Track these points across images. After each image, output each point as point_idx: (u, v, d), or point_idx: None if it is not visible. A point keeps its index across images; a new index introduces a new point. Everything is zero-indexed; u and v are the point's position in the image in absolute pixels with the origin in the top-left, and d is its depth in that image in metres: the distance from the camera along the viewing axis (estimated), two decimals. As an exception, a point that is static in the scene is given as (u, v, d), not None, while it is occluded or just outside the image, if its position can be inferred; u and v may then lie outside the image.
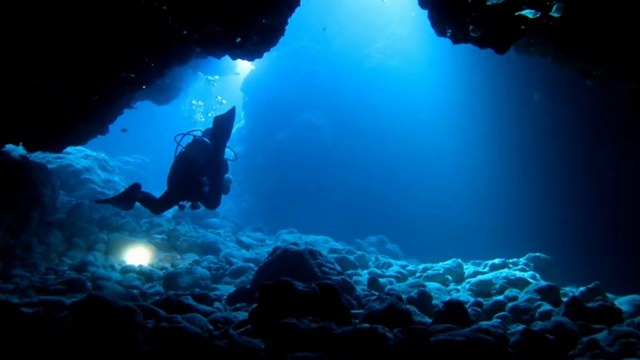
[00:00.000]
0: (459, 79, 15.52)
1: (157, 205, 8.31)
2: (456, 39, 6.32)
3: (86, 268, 8.71)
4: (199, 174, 8.08)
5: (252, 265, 9.41)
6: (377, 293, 6.67)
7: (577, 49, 6.14)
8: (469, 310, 5.75)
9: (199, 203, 8.70)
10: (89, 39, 6.35)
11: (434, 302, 6.11)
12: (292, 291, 3.63)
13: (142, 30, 6.35)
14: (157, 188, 20.13)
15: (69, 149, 16.53)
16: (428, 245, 14.88)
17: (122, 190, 16.61)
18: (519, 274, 7.46)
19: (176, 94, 17.58)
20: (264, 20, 6.69)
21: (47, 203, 9.62)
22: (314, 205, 18.45)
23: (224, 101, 22.03)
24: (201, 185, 8.22)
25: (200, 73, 18.60)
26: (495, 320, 5.34)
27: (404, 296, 6.46)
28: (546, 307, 5.51)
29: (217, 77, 20.96)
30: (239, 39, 6.79)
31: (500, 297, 6.51)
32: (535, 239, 12.61)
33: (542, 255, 8.63)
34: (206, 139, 8.46)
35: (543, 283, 5.95)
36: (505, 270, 7.96)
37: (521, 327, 5.24)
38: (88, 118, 7.79)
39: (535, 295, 5.77)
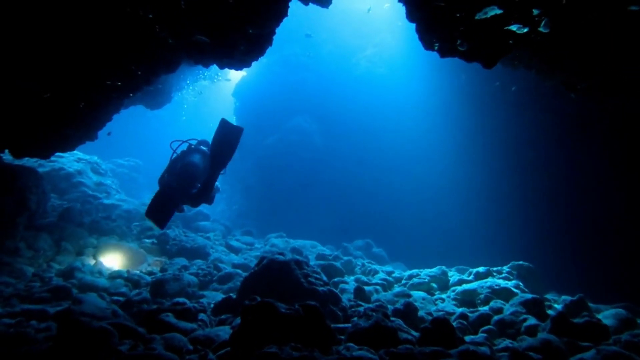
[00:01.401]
0: (445, 86, 15.36)
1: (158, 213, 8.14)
2: (443, 52, 6.09)
3: (73, 274, 8.33)
4: (196, 181, 8.10)
5: (239, 271, 9.11)
6: (363, 303, 6.43)
7: (562, 62, 5.94)
8: (455, 323, 5.53)
9: (183, 206, 8.74)
10: (75, 46, 6.03)
11: (420, 313, 5.86)
12: (275, 313, 3.35)
13: (128, 39, 6.03)
14: (149, 190, 19.75)
15: (61, 152, 16.14)
16: (413, 250, 14.69)
17: (113, 192, 16.31)
18: (503, 283, 7.25)
19: (168, 99, 17.19)
20: (250, 30, 6.40)
21: (35, 208, 9.21)
22: (303, 207, 18.18)
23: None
24: (192, 191, 8.21)
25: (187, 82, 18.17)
26: (481, 335, 5.11)
27: (389, 307, 6.22)
28: (532, 321, 5.29)
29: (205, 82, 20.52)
30: (225, 49, 6.49)
31: (485, 308, 6.29)
32: (517, 245, 12.46)
33: (525, 263, 8.43)
34: (204, 148, 8.67)
35: (528, 296, 5.73)
36: (490, 279, 7.74)
37: (507, 341, 5.02)
38: (75, 124, 7.44)
39: (521, 309, 5.55)
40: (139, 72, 6.63)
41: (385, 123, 17.36)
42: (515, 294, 6.96)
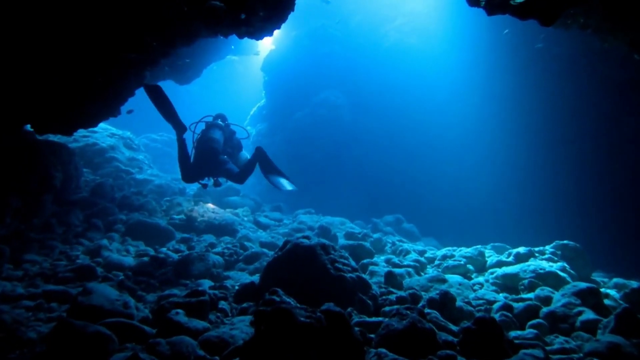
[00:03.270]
0: (480, 56, 14.12)
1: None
2: (492, 8, 5.13)
3: (100, 252, 7.98)
4: (219, 153, 8.39)
5: (266, 250, 8.57)
6: (395, 290, 5.76)
7: (628, 19, 4.90)
8: (497, 315, 4.79)
9: (221, 180, 9.00)
10: (87, 21, 5.42)
11: (458, 302, 5.13)
12: (292, 322, 2.70)
13: (139, 7, 5.35)
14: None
15: (94, 127, 15.90)
16: (445, 225, 13.86)
17: (145, 167, 16.04)
18: (547, 266, 6.42)
19: (197, 73, 16.59)
20: (269, -8, 5.63)
21: (60, 185, 8.84)
22: (332, 183, 17.50)
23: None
24: (224, 163, 8.48)
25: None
26: (530, 331, 4.36)
27: (424, 295, 5.53)
28: (588, 314, 4.50)
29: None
30: (243, 15, 5.74)
31: (531, 296, 5.51)
32: (557, 221, 11.50)
33: (570, 243, 7.51)
34: (220, 122, 8.96)
35: (582, 285, 4.91)
36: (532, 261, 6.92)
37: (561, 339, 4.27)
38: (94, 100, 6.91)
39: (574, 299, 4.74)
40: (155, 44, 5.96)
41: (416, 96, 16.27)
42: (563, 279, 6.15)
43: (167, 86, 18.08)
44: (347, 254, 5.91)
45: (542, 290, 5.37)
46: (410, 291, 5.47)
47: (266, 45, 22.82)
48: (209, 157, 8.31)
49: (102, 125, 16.17)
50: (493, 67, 13.52)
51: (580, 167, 11.32)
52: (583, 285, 4.88)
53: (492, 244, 9.95)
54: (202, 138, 8.53)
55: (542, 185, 12.18)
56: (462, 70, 14.77)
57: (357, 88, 18.43)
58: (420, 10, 17.69)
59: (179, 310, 3.64)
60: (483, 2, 5.20)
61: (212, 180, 9.04)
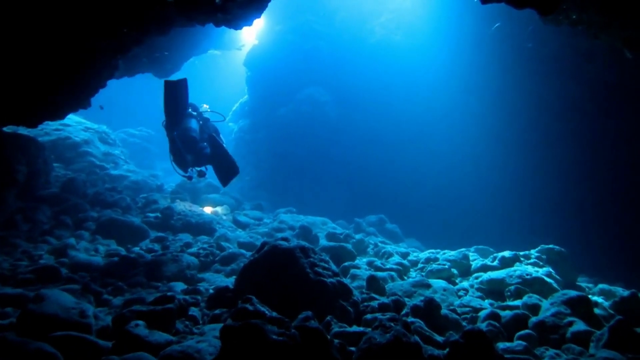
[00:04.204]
0: (465, 54, 13.96)
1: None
2: None
3: (66, 252, 7.52)
4: (199, 140, 8.32)
5: (244, 251, 8.21)
6: (377, 296, 5.48)
7: (624, 14, 4.70)
8: (484, 325, 4.55)
9: (204, 169, 8.94)
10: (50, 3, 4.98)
11: (443, 311, 4.88)
12: (263, 340, 2.38)
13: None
14: (162, 160, 18.77)
15: (68, 121, 15.26)
16: (428, 226, 13.69)
17: (121, 163, 15.48)
18: (533, 272, 6.23)
19: (177, 66, 16.09)
20: (248, -24, 5.27)
21: (24, 179, 8.33)
22: (316, 180, 17.20)
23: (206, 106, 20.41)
24: (204, 149, 8.47)
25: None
26: (518, 343, 4.12)
27: (408, 301, 5.26)
28: (580, 325, 4.28)
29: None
30: (218, 0, 5.37)
31: (518, 304, 5.30)
32: (539, 223, 11.41)
33: (556, 247, 7.35)
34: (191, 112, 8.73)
35: (572, 293, 4.70)
36: (518, 266, 6.73)
37: (551, 352, 4.04)
38: (59, 90, 6.45)
39: (564, 309, 4.53)
40: (125, 30, 5.55)
41: (402, 93, 16.05)
42: (549, 285, 5.97)
43: (146, 79, 17.63)
44: (327, 257, 5.61)
45: (530, 298, 5.16)
46: (394, 297, 5.20)
47: (249, 40, 22.36)
48: (189, 147, 8.24)
49: (75, 118, 15.56)
50: (479, 66, 13.39)
51: (565, 169, 11.25)
52: (573, 293, 4.67)
53: (475, 246, 9.78)
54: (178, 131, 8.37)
55: (527, 187, 12.09)
56: (448, 69, 14.60)
57: (342, 85, 18.13)
58: (407, 6, 17.47)
59: (139, 322, 3.28)
60: (478, -12, 4.92)
61: (195, 172, 8.94)
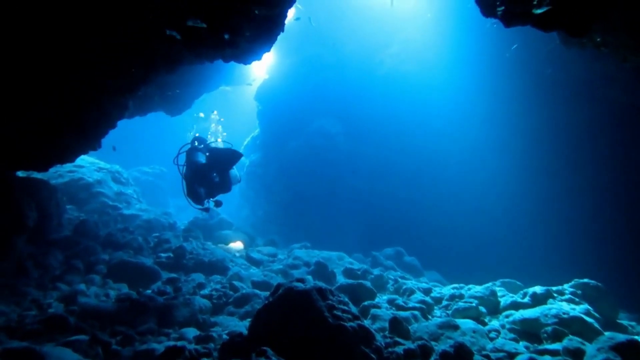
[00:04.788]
0: (480, 82, 13.79)
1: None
2: (510, 18, 4.62)
3: (76, 299, 7.27)
4: (208, 171, 8.80)
5: (258, 292, 7.88)
6: (401, 340, 5.09)
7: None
8: (524, 373, 4.14)
9: (219, 198, 9.30)
10: (58, 41, 4.95)
11: (476, 358, 4.48)
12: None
13: (115, 29, 4.88)
14: (174, 197, 18.67)
15: (81, 162, 15.36)
16: (448, 257, 13.22)
17: (134, 202, 15.44)
18: (570, 310, 5.78)
19: (188, 104, 16.21)
20: (256, 11, 5.17)
21: (33, 224, 8.19)
22: (329, 214, 16.89)
23: (201, 114, 20.65)
24: (214, 179, 8.97)
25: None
26: (564, 396, 3.70)
27: (436, 347, 4.87)
28: (632, 375, 3.86)
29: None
30: (227, 36, 5.28)
31: (558, 347, 4.86)
32: (568, 254, 10.89)
33: (592, 281, 6.87)
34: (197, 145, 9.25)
35: (621, 337, 4.28)
36: (552, 303, 6.28)
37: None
38: (67, 133, 6.38)
39: (613, 356, 4.11)
40: (133, 70, 5.48)
41: (414, 123, 15.87)
42: (590, 325, 5.52)
43: (158, 117, 17.80)
44: (346, 299, 5.27)
45: (571, 341, 4.73)
46: (420, 342, 4.82)
47: (260, 74, 22.64)
48: (199, 178, 8.62)
49: (89, 159, 15.67)
50: (494, 93, 13.19)
51: (594, 197, 10.80)
52: (621, 337, 4.25)
53: (501, 280, 9.30)
54: (187, 165, 8.79)
55: (553, 215, 11.61)
56: (461, 97, 14.44)
57: (353, 116, 18.06)
58: (417, 37, 17.52)
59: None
60: (500, 12, 4.70)
61: (212, 203, 9.30)
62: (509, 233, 12.48)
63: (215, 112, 17.22)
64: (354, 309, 5.18)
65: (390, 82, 17.37)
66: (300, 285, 5.15)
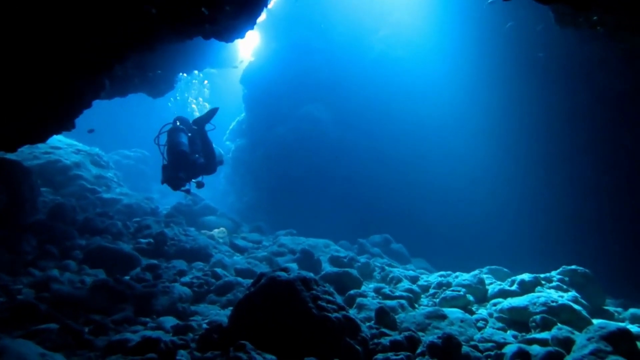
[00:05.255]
0: (471, 65, 13.58)
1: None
2: None
3: (49, 286, 6.98)
4: (190, 154, 8.50)
5: (241, 280, 7.68)
6: (387, 331, 4.94)
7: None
8: (513, 365, 4.01)
9: (201, 179, 9.07)
10: (27, 15, 4.59)
11: (464, 348, 4.35)
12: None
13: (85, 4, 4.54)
14: (158, 181, 18.27)
15: (58, 143, 14.86)
16: (435, 244, 13.16)
17: (114, 186, 15.03)
18: (559, 298, 5.69)
19: (171, 86, 15.76)
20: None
21: (6, 208, 7.84)
22: (317, 200, 16.68)
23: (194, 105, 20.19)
24: (197, 161, 8.66)
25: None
26: (555, 389, 3.57)
27: (423, 338, 4.72)
28: (624, 366, 3.75)
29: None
30: (206, 11, 4.95)
31: (546, 337, 4.75)
32: (553, 240, 10.88)
33: (580, 268, 6.80)
34: (179, 125, 8.89)
35: (612, 326, 4.15)
36: (540, 290, 6.20)
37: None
38: (39, 109, 6.02)
39: (604, 345, 3.98)
40: (105, 43, 5.13)
41: (404, 109, 15.64)
42: (578, 313, 5.43)
43: (141, 100, 17.31)
44: (332, 289, 5.09)
45: (560, 330, 4.62)
46: (407, 333, 4.66)
47: (247, 57, 22.14)
48: (182, 161, 8.34)
49: (67, 141, 15.19)
50: (485, 78, 13.01)
51: (580, 182, 10.76)
52: (612, 326, 4.13)
53: (488, 267, 9.23)
54: (169, 145, 8.48)
55: (539, 202, 11.60)
56: (452, 82, 14.23)
57: (342, 101, 17.76)
58: (406, 20, 17.19)
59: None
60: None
61: (194, 184, 9.10)
62: (496, 221, 12.44)
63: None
64: (339, 299, 5.00)
65: (380, 67, 17.08)
66: (283, 274, 4.94)
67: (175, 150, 8.31)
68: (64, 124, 7.04)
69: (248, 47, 21.74)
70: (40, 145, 13.59)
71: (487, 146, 13.13)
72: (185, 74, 16.35)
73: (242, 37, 6.47)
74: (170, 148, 8.44)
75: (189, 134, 8.82)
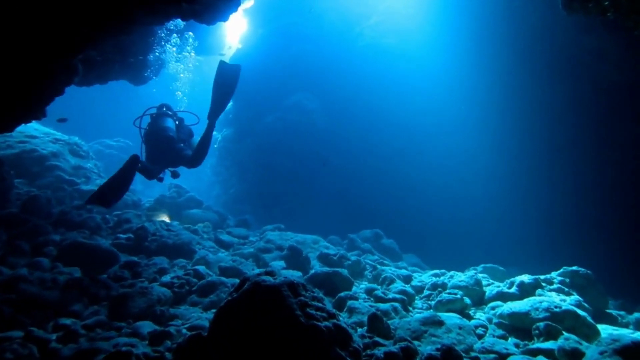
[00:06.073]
0: (464, 56, 13.22)
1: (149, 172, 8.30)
2: None
3: (17, 285, 6.52)
4: (175, 141, 8.28)
5: (224, 280, 7.28)
6: (381, 340, 4.60)
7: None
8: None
9: (178, 170, 8.93)
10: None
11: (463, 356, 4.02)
12: None
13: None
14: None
15: (35, 132, 14.22)
16: (427, 240, 12.89)
17: (94, 177, 14.47)
18: (562, 302, 5.39)
19: (155, 73, 15.15)
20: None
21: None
22: (305, 193, 16.30)
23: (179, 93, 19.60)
24: (182, 150, 8.42)
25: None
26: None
27: (420, 348, 4.39)
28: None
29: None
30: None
31: (551, 347, 4.45)
32: (549, 236, 10.66)
33: (581, 269, 6.53)
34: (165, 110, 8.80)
35: (626, 339, 3.85)
36: (541, 293, 5.92)
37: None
38: (3, 99, 5.52)
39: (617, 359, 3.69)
40: (79, 27, 4.65)
41: (395, 100, 15.26)
42: (583, 319, 5.14)
43: (123, 87, 16.68)
44: (321, 295, 4.72)
45: (567, 341, 4.31)
46: (402, 344, 4.33)
47: (234, 44, 21.54)
48: (165, 147, 8.14)
49: (44, 129, 14.55)
50: (478, 69, 12.66)
51: (577, 179, 10.52)
52: (626, 339, 3.83)
53: (483, 265, 9.00)
54: (153, 129, 8.25)
55: (534, 197, 11.36)
56: (444, 73, 13.87)
57: (332, 91, 17.31)
58: (397, 8, 16.74)
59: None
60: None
61: (168, 173, 9.00)
62: (489, 216, 12.20)
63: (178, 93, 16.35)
64: (329, 306, 4.63)
65: (370, 55, 16.64)
66: (269, 279, 4.55)
67: (161, 135, 8.12)
68: (33, 112, 6.53)
69: (235, 33, 21.14)
70: (14, 134, 12.98)
71: (481, 141, 12.84)
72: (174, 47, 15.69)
73: (225, 19, 6.01)
74: (154, 132, 8.22)
75: (177, 122, 8.64)
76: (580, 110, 10.28)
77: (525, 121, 11.57)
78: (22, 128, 13.59)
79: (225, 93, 8.81)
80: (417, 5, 15.94)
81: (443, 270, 8.48)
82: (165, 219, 12.45)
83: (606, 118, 9.83)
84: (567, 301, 5.59)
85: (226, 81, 8.76)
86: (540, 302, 5.31)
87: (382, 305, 5.94)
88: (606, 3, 4.52)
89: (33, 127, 13.93)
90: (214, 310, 6.55)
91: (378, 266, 8.68)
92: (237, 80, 8.96)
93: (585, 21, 9.34)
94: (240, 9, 19.16)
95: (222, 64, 8.84)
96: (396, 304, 6.02)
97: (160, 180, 8.75)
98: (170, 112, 8.82)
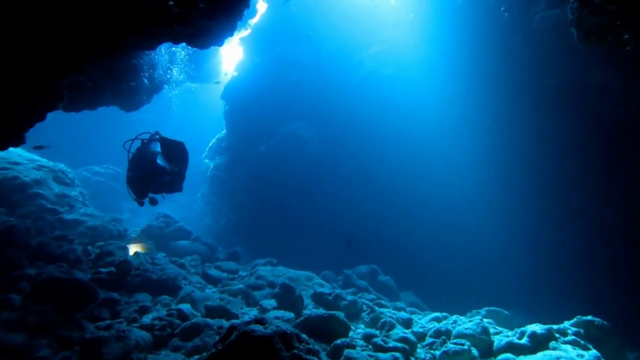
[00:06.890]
0: (463, 87, 13.10)
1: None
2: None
3: (-20, 329, 5.99)
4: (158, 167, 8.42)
5: (210, 322, 6.77)
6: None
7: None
8: None
9: (158, 197, 8.92)
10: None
11: None
12: None
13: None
14: (130, 200, 17.15)
15: (18, 159, 13.76)
16: (425, 277, 12.44)
17: (78, 205, 13.96)
18: (578, 358, 4.95)
19: (147, 99, 14.87)
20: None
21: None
22: (299, 225, 15.84)
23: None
24: (161, 169, 8.53)
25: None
26: None
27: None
28: None
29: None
30: (174, 6, 4.18)
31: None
32: (555, 281, 10.25)
33: (597, 319, 6.11)
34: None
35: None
36: (556, 346, 5.46)
37: None
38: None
39: None
40: (65, 51, 4.33)
41: (393, 130, 15.06)
42: (603, 378, 4.68)
43: (115, 114, 16.36)
44: (317, 347, 4.28)
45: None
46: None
47: (230, 72, 21.49)
48: (147, 168, 8.34)
49: (27, 155, 14.09)
50: (478, 101, 12.53)
51: (582, 216, 10.20)
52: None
53: (485, 308, 8.54)
54: (140, 153, 8.51)
55: (539, 237, 10.98)
56: (443, 104, 13.73)
57: (328, 120, 17.11)
58: (398, 38, 16.76)
59: None
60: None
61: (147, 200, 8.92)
62: (490, 256, 11.79)
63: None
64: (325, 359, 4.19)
65: (370, 85, 16.54)
66: (259, 328, 4.11)
67: (148, 158, 8.31)
68: (12, 138, 6.14)
69: (231, 61, 21.14)
70: (-4, 160, 12.54)
71: (480, 173, 12.57)
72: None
73: (220, 44, 5.73)
74: (141, 156, 8.40)
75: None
76: (586, 145, 10.07)
77: (525, 156, 11.35)
78: (4, 154, 13.18)
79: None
80: (418, 36, 15.95)
81: (445, 314, 8.02)
82: (143, 250, 11.94)
83: (612, 153, 9.62)
84: (585, 357, 5.15)
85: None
86: (558, 359, 4.86)
87: (382, 355, 5.47)
88: (626, 36, 4.31)
89: (17, 153, 13.50)
90: (197, 357, 6.04)
91: (376, 308, 8.19)
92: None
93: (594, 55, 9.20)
94: (237, 37, 19.16)
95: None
96: (397, 354, 5.56)
97: (141, 204, 8.77)
98: (158, 138, 8.98)
